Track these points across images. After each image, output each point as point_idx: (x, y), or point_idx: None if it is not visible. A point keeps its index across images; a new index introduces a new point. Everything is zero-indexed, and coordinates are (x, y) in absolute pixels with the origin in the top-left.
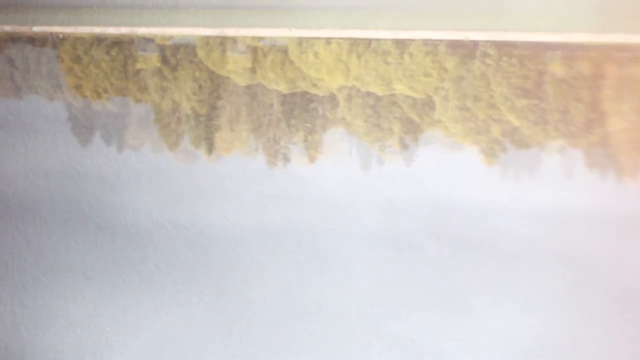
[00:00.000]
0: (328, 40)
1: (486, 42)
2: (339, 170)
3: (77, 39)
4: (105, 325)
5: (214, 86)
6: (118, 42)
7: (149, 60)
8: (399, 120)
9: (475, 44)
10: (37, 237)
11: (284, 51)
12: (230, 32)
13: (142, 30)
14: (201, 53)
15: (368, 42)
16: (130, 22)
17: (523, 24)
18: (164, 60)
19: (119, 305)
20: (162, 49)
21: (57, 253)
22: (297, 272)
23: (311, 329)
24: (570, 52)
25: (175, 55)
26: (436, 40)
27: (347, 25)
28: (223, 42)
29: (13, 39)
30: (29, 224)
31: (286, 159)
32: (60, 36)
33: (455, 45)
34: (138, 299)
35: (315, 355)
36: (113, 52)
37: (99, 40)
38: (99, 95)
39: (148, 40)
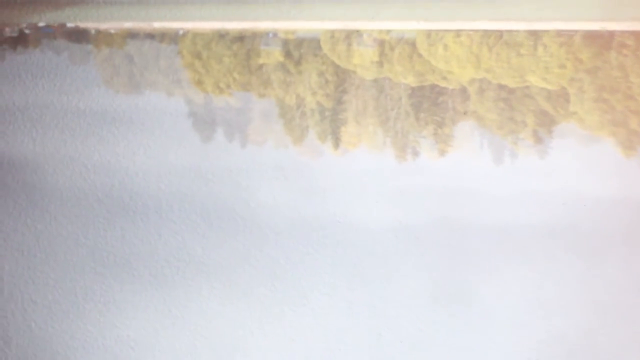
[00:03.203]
0: (458, 33)
1: (623, 32)
2: (470, 164)
3: (198, 34)
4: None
5: (339, 80)
6: (240, 37)
7: (272, 55)
8: (533, 112)
9: (611, 34)
10: (153, 233)
11: (412, 44)
12: (355, 25)
13: (265, 25)
14: (326, 47)
15: (499, 34)
16: (252, 16)
17: None
18: (288, 54)
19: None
20: (285, 43)
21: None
22: (435, 266)
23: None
24: None
25: (298, 50)
26: (571, 30)
27: (478, 17)
28: (349, 35)
29: (132, 35)
30: (148, 221)
31: (415, 153)
32: (181, 32)
33: (590, 36)
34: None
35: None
36: (235, 47)
37: (220, 35)
38: (220, 91)
39: (271, 34)
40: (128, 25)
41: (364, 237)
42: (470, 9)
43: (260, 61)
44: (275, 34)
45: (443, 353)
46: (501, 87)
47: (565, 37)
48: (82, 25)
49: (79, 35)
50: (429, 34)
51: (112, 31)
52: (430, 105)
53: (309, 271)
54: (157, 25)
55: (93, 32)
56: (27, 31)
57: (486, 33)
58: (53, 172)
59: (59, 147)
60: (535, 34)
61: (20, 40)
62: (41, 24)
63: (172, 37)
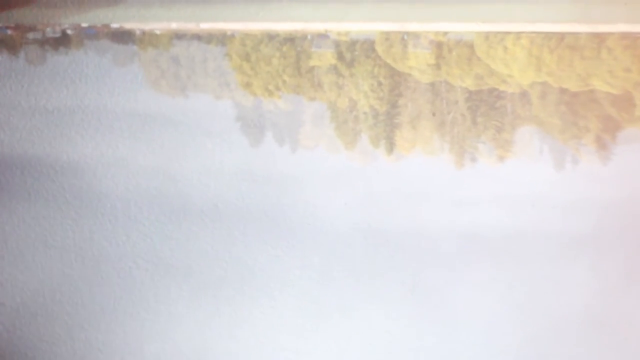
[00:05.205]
0: (518, 35)
1: None
2: (530, 170)
3: (247, 36)
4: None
5: (394, 83)
6: (290, 39)
7: (324, 57)
8: (597, 117)
9: None
10: (205, 238)
11: (471, 46)
12: (411, 26)
13: (317, 26)
14: (380, 49)
15: (561, 36)
16: (303, 17)
17: None
18: (340, 56)
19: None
20: (337, 45)
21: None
22: (494, 275)
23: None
24: None
25: (351, 51)
26: (636, 33)
27: (539, 18)
28: (404, 37)
29: (178, 36)
30: (200, 225)
31: (473, 159)
32: (229, 33)
33: None
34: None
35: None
36: (285, 49)
37: (269, 36)
38: (270, 94)
39: (323, 36)
40: (174, 26)
41: (422, 242)
42: (530, 10)
43: (311, 63)
44: (326, 35)
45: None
46: (563, 90)
47: (631, 40)
48: (127, 25)
49: (123, 36)
50: (487, 36)
51: (158, 32)
52: (489, 110)
53: (370, 275)
54: (205, 26)
55: (138, 32)
56: (69, 32)
57: (547, 35)
58: (99, 175)
59: (103, 149)
60: (598, 37)
61: (62, 41)
62: (84, 25)
63: (220, 39)
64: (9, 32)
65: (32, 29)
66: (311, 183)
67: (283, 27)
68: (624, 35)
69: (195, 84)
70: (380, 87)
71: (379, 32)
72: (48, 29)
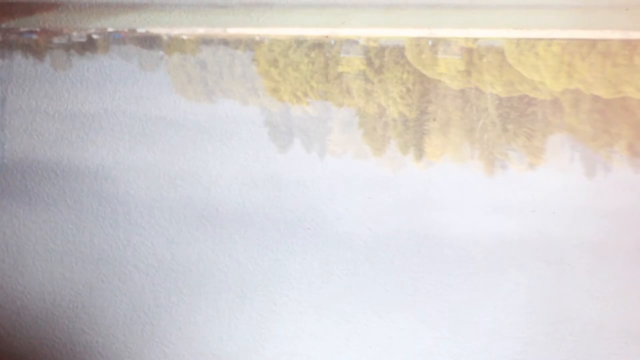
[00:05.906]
0: (549, 42)
1: None
2: (560, 178)
3: (274, 41)
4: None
5: (423, 89)
6: (319, 44)
7: (352, 63)
8: (629, 125)
9: None
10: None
11: (501, 53)
12: (441, 32)
13: (346, 32)
14: (409, 55)
15: (593, 42)
16: (332, 23)
17: None
18: (369, 62)
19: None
20: (366, 50)
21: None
22: (530, 282)
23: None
24: None
25: (380, 57)
26: None
27: (570, 25)
28: (435, 43)
29: (205, 41)
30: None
31: (503, 166)
32: (257, 38)
33: None
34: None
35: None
36: (313, 54)
37: (297, 42)
38: (298, 100)
39: (352, 42)
40: (201, 30)
41: (454, 250)
42: (562, 16)
43: (340, 69)
44: (355, 41)
45: None
46: (595, 98)
47: None
48: (154, 30)
49: (149, 41)
50: (518, 42)
51: (185, 37)
52: (519, 117)
53: (394, 282)
54: (232, 31)
55: (164, 37)
56: (95, 36)
57: (579, 42)
58: (125, 180)
59: (128, 154)
60: (630, 43)
61: (88, 46)
62: (110, 29)
63: (247, 44)
64: (35, 36)
65: (57, 33)
66: (339, 189)
67: (311, 32)
68: None
69: (222, 90)
70: (409, 94)
71: (408, 39)
72: (74, 34)
